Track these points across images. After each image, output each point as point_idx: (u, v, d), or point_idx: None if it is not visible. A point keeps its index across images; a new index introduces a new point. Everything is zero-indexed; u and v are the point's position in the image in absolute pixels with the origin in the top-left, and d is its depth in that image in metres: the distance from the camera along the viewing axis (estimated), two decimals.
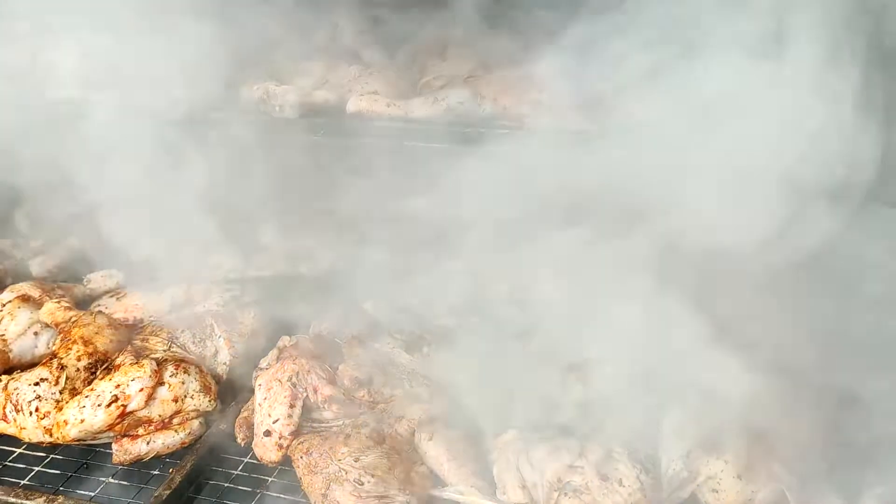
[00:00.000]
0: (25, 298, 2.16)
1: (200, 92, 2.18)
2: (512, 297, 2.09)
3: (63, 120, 2.31)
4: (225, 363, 1.96)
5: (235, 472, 1.73)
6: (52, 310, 2.10)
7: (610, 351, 1.70)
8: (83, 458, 1.77)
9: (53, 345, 2.02)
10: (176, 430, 1.78)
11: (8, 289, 2.22)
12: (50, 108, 2.30)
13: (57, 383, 1.81)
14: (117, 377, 1.76)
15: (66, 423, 1.72)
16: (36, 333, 2.07)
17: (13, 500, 1.61)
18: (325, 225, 2.23)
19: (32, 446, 1.78)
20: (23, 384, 1.81)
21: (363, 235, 2.11)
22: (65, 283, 2.39)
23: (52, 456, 1.77)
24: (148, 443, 1.74)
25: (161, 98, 2.22)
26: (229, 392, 1.92)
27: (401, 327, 1.94)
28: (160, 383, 1.78)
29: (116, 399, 1.73)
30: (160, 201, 2.74)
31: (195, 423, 1.80)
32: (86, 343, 1.90)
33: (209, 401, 1.83)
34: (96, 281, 2.41)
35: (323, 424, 1.74)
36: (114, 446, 1.74)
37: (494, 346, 1.92)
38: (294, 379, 1.75)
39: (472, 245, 1.95)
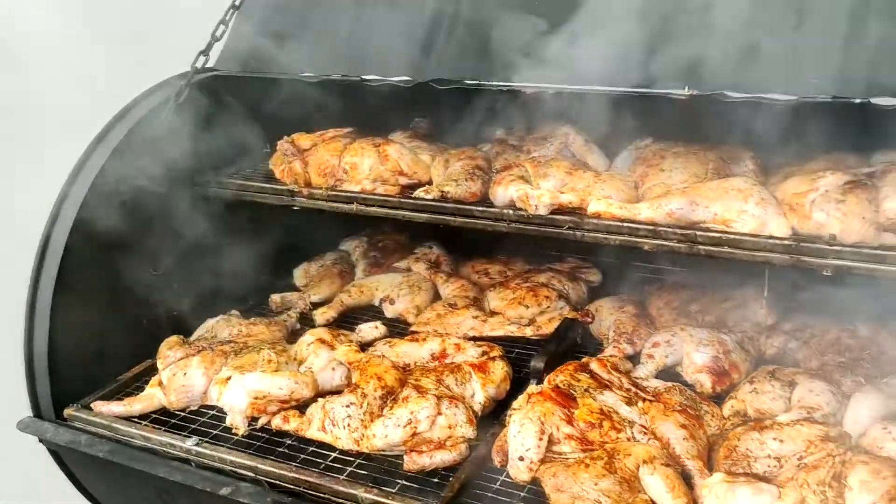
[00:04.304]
0: (322, 341, 2.82)
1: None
2: None
3: None
4: (480, 403, 2.52)
5: (495, 486, 2.26)
6: (346, 351, 2.74)
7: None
8: (381, 465, 2.37)
9: (345, 379, 2.67)
10: (449, 450, 2.34)
11: (308, 332, 2.90)
12: None
13: (361, 406, 2.43)
14: (410, 405, 2.36)
15: (373, 436, 2.33)
16: (333, 368, 2.72)
17: (341, 488, 2.22)
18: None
19: (343, 453, 2.40)
20: (337, 405, 2.45)
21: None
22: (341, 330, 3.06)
23: (358, 461, 2.38)
24: (431, 457, 2.31)
25: None
26: (482, 425, 2.47)
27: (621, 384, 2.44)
28: (439, 413, 2.36)
29: (410, 422, 2.32)
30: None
31: (463, 446, 2.35)
32: (378, 379, 2.52)
33: (473, 430, 2.38)
34: (365, 331, 3.06)
35: (562, 456, 2.24)
36: (405, 458, 2.32)
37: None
38: (542, 418, 2.26)
39: None
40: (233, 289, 3.36)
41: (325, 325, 3.15)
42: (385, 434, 2.32)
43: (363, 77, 2.86)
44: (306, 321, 3.23)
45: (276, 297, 3.37)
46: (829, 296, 2.73)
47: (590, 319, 2.97)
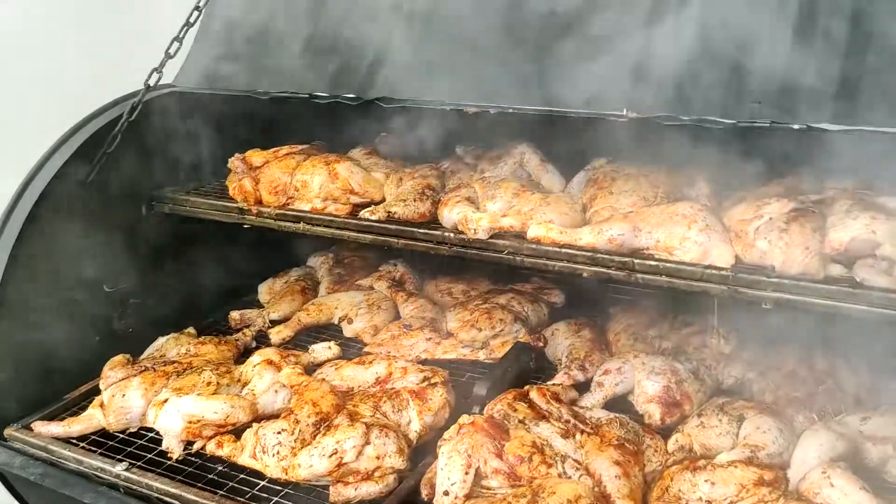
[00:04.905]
0: (269, 362, 2.77)
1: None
2: None
3: None
4: (416, 431, 2.44)
5: None
6: (289, 374, 2.69)
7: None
8: (307, 495, 2.31)
9: (289, 402, 2.61)
10: (376, 482, 2.27)
11: (257, 353, 2.86)
12: None
13: (293, 434, 2.37)
14: (337, 435, 2.29)
15: (298, 465, 2.27)
16: (276, 391, 2.66)
17: None
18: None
19: (272, 481, 2.34)
20: (269, 431, 2.39)
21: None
22: (295, 350, 3.01)
23: (286, 490, 2.32)
24: (356, 489, 2.24)
25: None
26: (418, 455, 2.40)
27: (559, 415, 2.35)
28: (367, 443, 2.29)
29: (336, 452, 2.26)
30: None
31: (391, 478, 2.28)
32: (314, 405, 2.46)
33: (402, 461, 2.31)
34: (318, 351, 3.00)
35: (490, 491, 2.16)
36: (331, 489, 2.26)
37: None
38: (470, 451, 2.18)
39: None
40: (195, 305, 3.33)
41: (279, 345, 3.10)
42: (310, 464, 2.26)
43: (312, 94, 2.81)
44: (266, 340, 3.19)
45: (235, 315, 3.33)
46: (792, 325, 2.61)
47: (541, 344, 2.88)
